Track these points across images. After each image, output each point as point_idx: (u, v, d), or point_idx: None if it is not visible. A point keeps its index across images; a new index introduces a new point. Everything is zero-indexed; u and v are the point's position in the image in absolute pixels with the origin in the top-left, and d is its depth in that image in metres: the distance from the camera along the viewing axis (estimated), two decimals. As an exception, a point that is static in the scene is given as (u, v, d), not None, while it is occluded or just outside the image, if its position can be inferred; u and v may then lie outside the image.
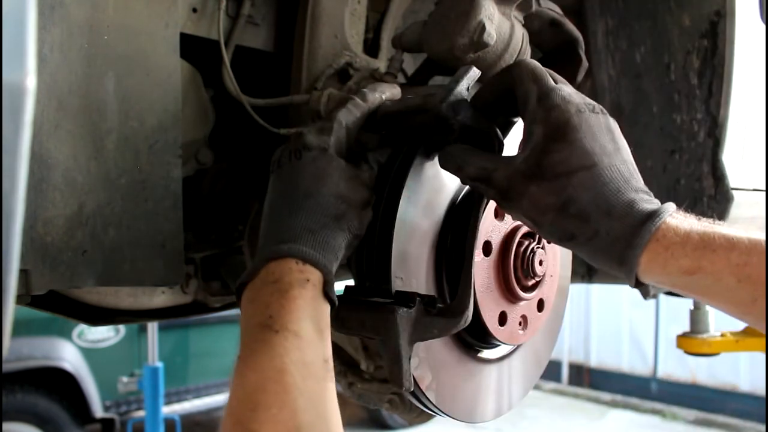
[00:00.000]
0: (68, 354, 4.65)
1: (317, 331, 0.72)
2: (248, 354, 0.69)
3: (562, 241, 0.75)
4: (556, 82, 0.78)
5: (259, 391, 0.65)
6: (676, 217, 0.70)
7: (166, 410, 4.93)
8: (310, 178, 0.81)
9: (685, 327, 2.31)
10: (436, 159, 0.87)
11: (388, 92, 0.92)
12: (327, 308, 0.76)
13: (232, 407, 0.66)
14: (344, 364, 1.44)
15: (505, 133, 0.86)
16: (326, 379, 0.70)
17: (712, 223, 0.71)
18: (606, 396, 8.29)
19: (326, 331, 0.74)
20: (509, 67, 0.81)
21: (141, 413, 4.89)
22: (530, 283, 0.95)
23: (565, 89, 0.77)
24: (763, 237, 0.68)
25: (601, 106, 0.78)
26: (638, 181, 0.75)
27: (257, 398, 0.64)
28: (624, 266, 0.71)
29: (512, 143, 0.85)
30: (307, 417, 0.65)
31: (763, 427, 7.01)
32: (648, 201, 0.72)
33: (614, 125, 0.78)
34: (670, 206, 0.72)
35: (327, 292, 0.75)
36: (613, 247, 0.71)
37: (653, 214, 0.70)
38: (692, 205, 1.48)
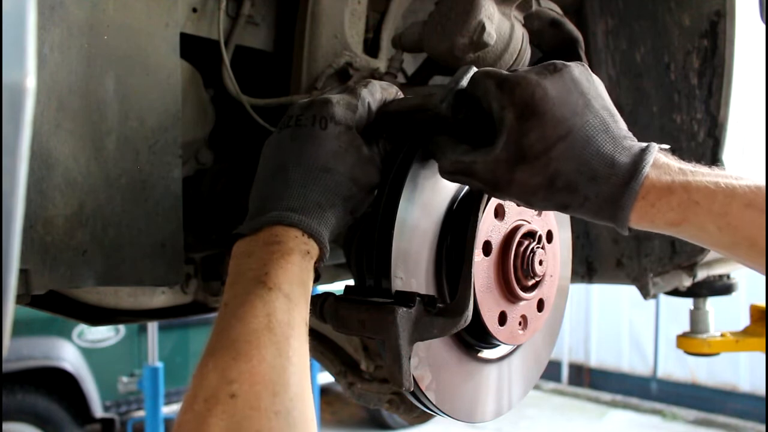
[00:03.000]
0: (68, 354, 4.65)
1: (304, 296, 0.74)
2: (238, 304, 0.70)
3: (558, 209, 0.78)
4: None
5: (243, 341, 0.66)
6: (659, 165, 0.73)
7: (166, 410, 4.93)
8: (330, 153, 0.81)
9: (685, 327, 2.30)
10: None
11: (394, 92, 0.91)
12: (312, 279, 0.78)
13: (212, 351, 0.66)
14: (344, 364, 1.44)
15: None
16: (304, 341, 0.71)
17: (694, 167, 0.74)
18: (606, 396, 8.29)
19: (308, 298, 0.76)
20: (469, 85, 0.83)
21: (141, 413, 4.89)
22: (530, 283, 0.95)
23: (519, 70, 0.79)
24: (743, 181, 0.73)
25: (561, 61, 0.79)
26: (616, 127, 0.76)
27: (239, 348, 0.65)
28: (617, 223, 0.75)
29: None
30: (284, 375, 0.66)
31: (763, 427, 7.01)
32: (629, 148, 0.75)
33: (578, 73, 0.78)
34: (652, 150, 0.74)
35: (318, 267, 0.79)
36: (603, 210, 0.75)
37: (636, 170, 0.72)
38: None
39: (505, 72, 0.78)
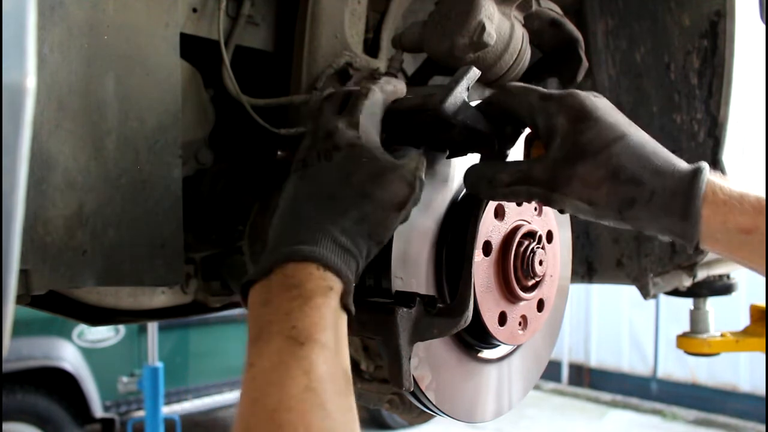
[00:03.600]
0: (68, 354, 4.65)
1: (338, 341, 0.68)
2: (270, 367, 0.63)
3: (623, 210, 0.75)
4: None
5: (283, 410, 0.59)
6: (716, 174, 0.74)
7: (166, 410, 4.93)
8: (336, 180, 0.76)
9: (685, 327, 2.30)
10: (437, 159, 0.87)
11: (400, 87, 0.90)
12: (345, 319, 0.71)
13: (249, 425, 0.60)
14: (344, 364, 1.44)
15: (514, 139, 0.86)
16: (349, 392, 0.66)
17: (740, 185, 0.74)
18: (606, 396, 8.29)
19: (345, 341, 0.70)
20: (496, 95, 0.83)
21: (141, 413, 4.88)
22: (530, 283, 0.95)
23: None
24: None
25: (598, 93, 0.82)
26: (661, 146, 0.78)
27: (281, 418, 0.59)
28: (688, 220, 0.72)
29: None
30: None
31: (763, 427, 7.01)
32: (681, 160, 0.76)
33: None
34: (705, 164, 0.74)
35: (346, 303, 0.71)
36: (673, 203, 0.73)
37: (698, 170, 0.73)
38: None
39: (547, 90, 0.80)
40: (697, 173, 0.73)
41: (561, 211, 0.80)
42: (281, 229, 0.75)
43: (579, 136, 0.76)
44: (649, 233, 0.78)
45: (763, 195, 0.72)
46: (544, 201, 0.79)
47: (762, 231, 0.70)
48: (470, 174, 0.83)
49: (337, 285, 0.70)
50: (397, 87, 0.87)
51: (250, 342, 0.67)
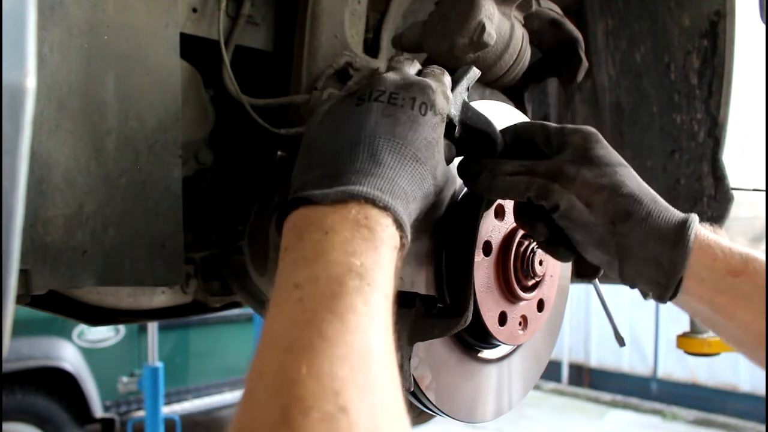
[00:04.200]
0: (68, 354, 4.65)
1: (393, 299, 0.60)
2: (329, 293, 0.54)
3: (617, 222, 0.76)
4: None
5: (346, 366, 0.50)
6: (705, 226, 0.77)
7: (166, 410, 4.93)
8: (424, 143, 0.71)
9: (685, 327, 2.31)
10: None
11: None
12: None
13: (297, 347, 0.50)
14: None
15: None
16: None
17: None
18: (606, 396, 8.29)
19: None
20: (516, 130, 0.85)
21: (141, 413, 4.89)
22: (530, 283, 0.95)
23: None
24: None
25: None
26: None
27: (343, 375, 0.49)
28: (679, 247, 0.73)
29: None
30: (399, 396, 0.53)
31: (763, 427, 7.01)
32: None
33: None
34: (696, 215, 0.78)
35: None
36: (666, 228, 0.75)
37: (691, 215, 0.77)
38: (692, 205, 1.48)
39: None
40: (690, 216, 0.76)
41: (553, 209, 0.78)
42: (350, 161, 0.68)
43: (590, 150, 0.79)
44: (629, 269, 0.77)
45: (750, 251, 0.73)
46: (542, 193, 0.78)
47: (751, 274, 0.71)
48: (470, 165, 0.83)
49: (400, 247, 0.64)
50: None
51: (298, 260, 0.59)
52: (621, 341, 1.10)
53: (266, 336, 0.53)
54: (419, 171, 0.70)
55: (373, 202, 0.63)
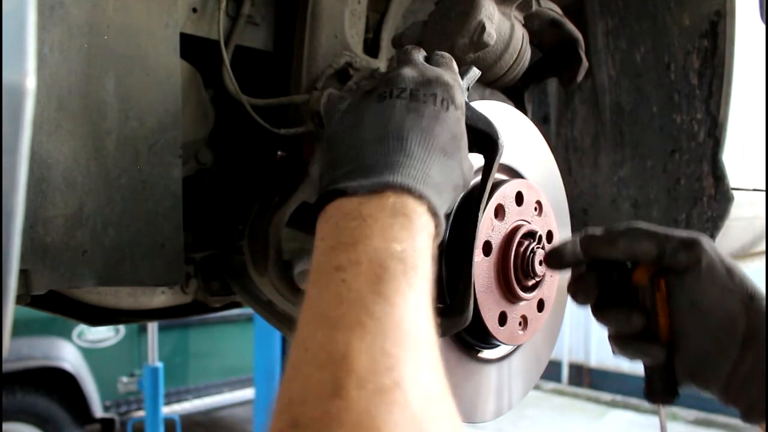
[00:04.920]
0: (68, 354, 4.65)
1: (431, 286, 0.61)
2: (374, 278, 0.54)
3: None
4: None
5: (396, 344, 0.50)
6: None
7: (166, 410, 4.93)
8: (450, 137, 0.72)
9: (685, 327, 2.30)
10: None
11: None
12: None
13: (341, 324, 0.51)
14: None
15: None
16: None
17: None
18: (606, 396, 8.29)
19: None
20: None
21: (141, 413, 4.89)
22: (530, 283, 0.95)
23: None
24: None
25: None
26: None
27: (394, 352, 0.49)
28: None
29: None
30: (441, 376, 0.53)
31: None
32: None
33: None
34: None
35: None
36: None
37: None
38: (692, 205, 1.48)
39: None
40: None
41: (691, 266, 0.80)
42: (381, 154, 0.69)
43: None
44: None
45: None
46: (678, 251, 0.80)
47: None
48: (603, 236, 0.84)
49: (435, 235, 0.65)
50: None
51: (331, 249, 0.59)
52: None
53: (310, 314, 0.54)
54: (448, 164, 0.71)
55: (409, 191, 0.63)
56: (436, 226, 0.65)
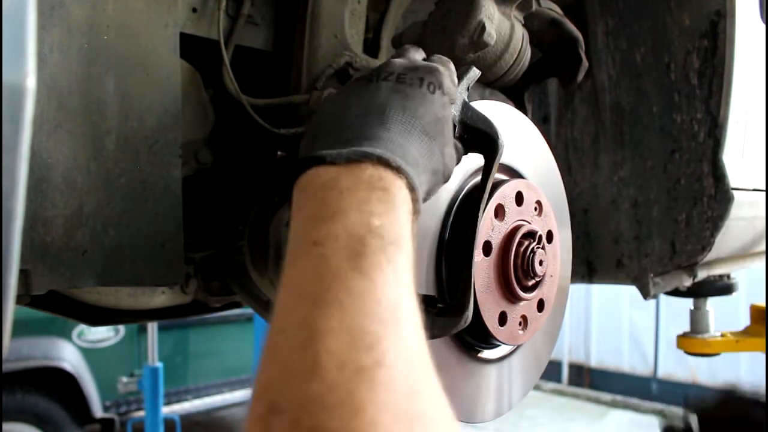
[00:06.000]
0: (68, 354, 4.65)
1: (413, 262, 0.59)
2: (350, 254, 0.53)
3: None
4: None
5: (377, 321, 0.49)
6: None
7: (166, 410, 4.93)
8: (434, 120, 0.72)
9: (686, 327, 2.31)
10: None
11: None
12: None
13: (322, 301, 0.49)
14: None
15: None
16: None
17: None
18: (606, 396, 8.29)
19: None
20: None
21: (141, 413, 4.89)
22: (530, 283, 0.95)
23: None
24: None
25: None
26: None
27: (375, 330, 0.48)
28: None
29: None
30: (426, 354, 0.54)
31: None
32: None
33: None
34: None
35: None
36: None
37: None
38: (692, 205, 1.48)
39: None
40: None
41: None
42: (362, 126, 0.68)
43: None
44: None
45: None
46: None
47: None
48: None
49: (413, 211, 0.63)
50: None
51: (309, 220, 0.57)
52: None
53: (287, 292, 0.52)
54: (429, 145, 0.70)
55: (387, 163, 0.62)
56: (414, 201, 0.63)
